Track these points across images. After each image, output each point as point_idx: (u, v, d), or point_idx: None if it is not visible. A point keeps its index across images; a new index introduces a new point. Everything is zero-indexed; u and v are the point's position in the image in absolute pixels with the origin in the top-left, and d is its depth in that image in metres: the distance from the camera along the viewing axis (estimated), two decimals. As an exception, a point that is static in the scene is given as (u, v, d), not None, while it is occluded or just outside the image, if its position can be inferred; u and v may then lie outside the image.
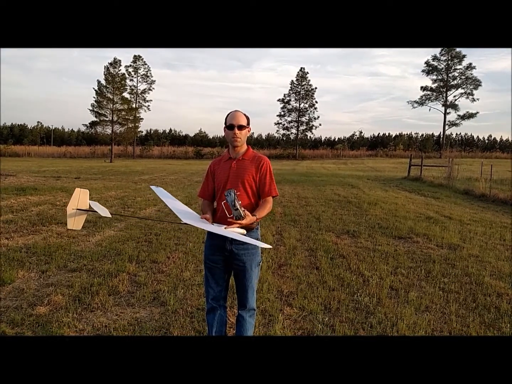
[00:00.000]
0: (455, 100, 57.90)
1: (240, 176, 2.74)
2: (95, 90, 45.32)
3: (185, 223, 2.52)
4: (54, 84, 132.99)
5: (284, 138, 61.97)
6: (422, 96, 59.75)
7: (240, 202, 2.40)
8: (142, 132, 61.32)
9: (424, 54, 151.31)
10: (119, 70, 46.70)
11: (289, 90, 59.98)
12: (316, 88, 59.37)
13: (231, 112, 2.77)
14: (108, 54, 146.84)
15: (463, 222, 8.72)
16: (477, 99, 57.29)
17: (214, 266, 2.78)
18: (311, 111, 59.54)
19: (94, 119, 46.16)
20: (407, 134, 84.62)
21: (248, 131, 2.81)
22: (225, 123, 2.75)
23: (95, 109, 45.59)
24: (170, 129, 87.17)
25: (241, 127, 2.72)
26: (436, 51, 57.52)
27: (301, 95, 59.43)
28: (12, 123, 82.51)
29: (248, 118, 2.80)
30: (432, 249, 6.31)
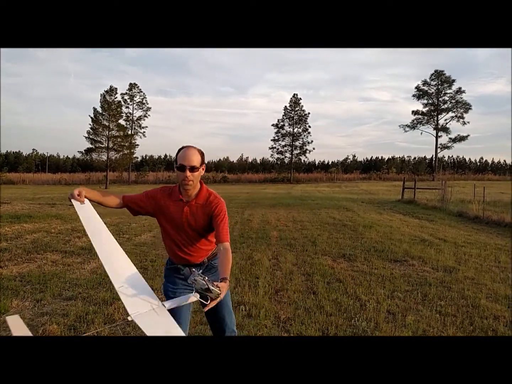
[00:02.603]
0: (446, 123, 58.78)
1: (192, 224, 2.51)
2: (91, 118, 45.71)
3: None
4: (50, 111, 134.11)
5: (279, 162, 62.42)
6: (413, 120, 60.67)
7: (206, 278, 2.02)
8: (137, 158, 61.53)
9: (414, 79, 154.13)
10: (115, 98, 47.27)
11: (283, 115, 60.87)
12: (309, 113, 60.33)
13: (182, 149, 2.43)
14: (104, 82, 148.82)
15: (458, 244, 8.76)
16: (468, 122, 58.07)
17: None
18: (304, 136, 60.28)
19: (90, 146, 46.41)
20: (399, 157, 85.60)
21: (203, 169, 2.48)
22: (175, 162, 2.43)
23: (90, 136, 45.89)
24: (165, 154, 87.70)
25: (193, 169, 2.38)
26: (426, 74, 58.75)
27: (294, 120, 60.24)
28: (7, 151, 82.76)
29: (202, 155, 2.45)
30: (428, 272, 6.33)
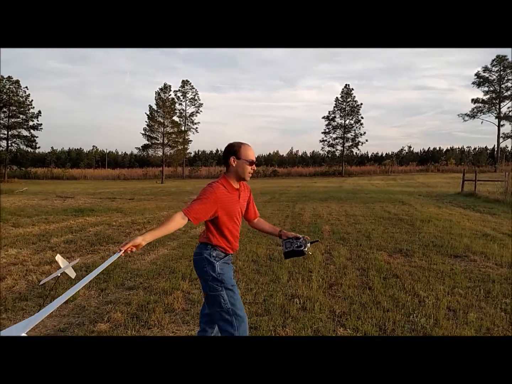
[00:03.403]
0: (510, 111, 55.36)
1: (242, 208, 2.91)
2: (147, 115, 47.41)
3: None
4: (108, 109, 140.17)
5: (330, 155, 61.62)
6: (473, 109, 57.69)
7: (295, 239, 2.92)
8: (190, 153, 63.15)
9: (473, 66, 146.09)
10: (169, 95, 48.70)
11: (334, 107, 60.01)
12: (361, 104, 58.99)
13: (246, 145, 2.77)
14: (158, 79, 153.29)
15: (524, 240, 8.26)
16: (534, 109, 54.40)
17: (235, 285, 2.81)
18: (357, 127, 59.16)
19: (146, 142, 48.25)
20: (458, 148, 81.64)
21: None
22: (241, 156, 2.71)
23: (147, 133, 47.70)
24: (217, 149, 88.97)
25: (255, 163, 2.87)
26: (487, 60, 55.74)
27: (346, 111, 59.17)
28: (69, 148, 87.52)
29: None
30: (491, 268, 6.03)
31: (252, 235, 8.60)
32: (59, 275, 2.81)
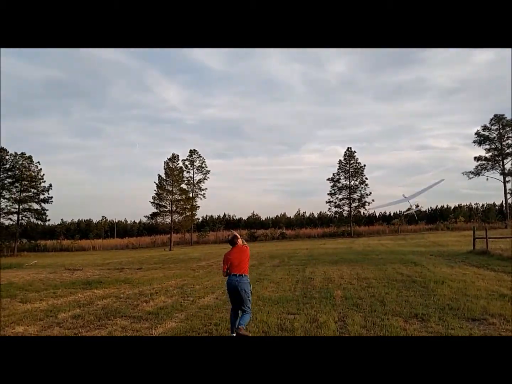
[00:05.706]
0: (514, 167, 55.81)
1: None
2: (156, 184, 48.40)
3: None
4: (118, 180, 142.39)
5: (337, 216, 61.50)
6: (477, 166, 58.15)
7: None
8: (198, 219, 63.47)
9: (472, 125, 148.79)
10: (177, 164, 50.01)
11: (338, 169, 60.74)
12: (365, 165, 59.78)
13: None
14: (166, 149, 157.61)
15: (544, 299, 7.98)
16: (538, 163, 54.82)
17: None
18: (362, 188, 59.43)
19: (155, 210, 48.79)
20: (466, 205, 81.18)
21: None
22: None
23: (156, 201, 48.37)
24: (224, 213, 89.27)
25: None
26: (484, 119, 56.90)
27: (350, 173, 59.87)
28: (79, 219, 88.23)
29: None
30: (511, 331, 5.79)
31: (262, 303, 8.42)
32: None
